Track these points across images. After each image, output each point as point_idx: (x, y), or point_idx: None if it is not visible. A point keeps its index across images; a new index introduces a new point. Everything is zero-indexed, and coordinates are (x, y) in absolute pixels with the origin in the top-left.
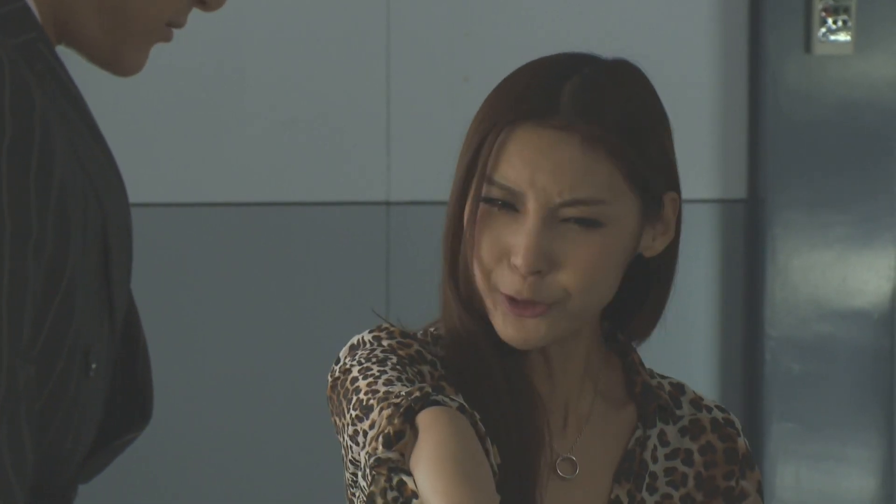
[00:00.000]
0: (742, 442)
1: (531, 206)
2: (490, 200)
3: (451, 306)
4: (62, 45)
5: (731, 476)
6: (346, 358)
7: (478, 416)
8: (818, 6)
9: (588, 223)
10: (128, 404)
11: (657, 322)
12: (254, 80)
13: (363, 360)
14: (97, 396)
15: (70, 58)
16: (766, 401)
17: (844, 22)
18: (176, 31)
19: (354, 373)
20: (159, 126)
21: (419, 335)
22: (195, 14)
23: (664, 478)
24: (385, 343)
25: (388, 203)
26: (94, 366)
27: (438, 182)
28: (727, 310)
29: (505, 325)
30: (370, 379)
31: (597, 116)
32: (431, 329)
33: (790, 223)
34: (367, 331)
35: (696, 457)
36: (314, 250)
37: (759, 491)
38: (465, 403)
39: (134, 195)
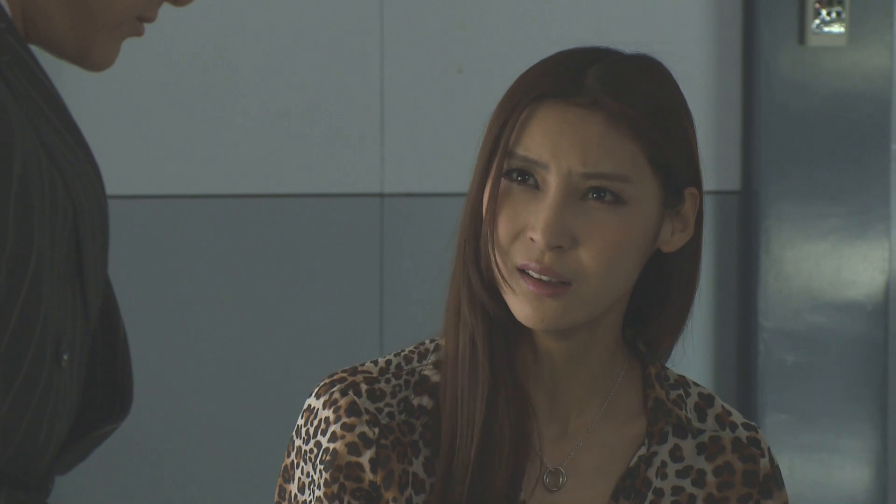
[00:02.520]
0: (765, 463)
1: (552, 179)
2: (511, 175)
3: (457, 303)
4: (31, 44)
5: (747, 499)
6: (295, 436)
7: None
8: None
9: (610, 200)
10: (107, 396)
11: (679, 332)
12: (246, 71)
13: (296, 464)
14: (71, 387)
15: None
16: (759, 392)
17: (838, 14)
18: (169, 24)
19: (293, 478)
20: (151, 118)
21: (394, 366)
22: (188, 8)
23: (670, 496)
24: (324, 445)
25: (381, 195)
26: (65, 356)
27: (432, 174)
28: (721, 301)
29: (522, 305)
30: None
31: (622, 96)
32: (423, 346)
33: (784, 214)
34: (316, 398)
35: (710, 477)
36: (307, 242)
37: None
38: None
39: (125, 187)
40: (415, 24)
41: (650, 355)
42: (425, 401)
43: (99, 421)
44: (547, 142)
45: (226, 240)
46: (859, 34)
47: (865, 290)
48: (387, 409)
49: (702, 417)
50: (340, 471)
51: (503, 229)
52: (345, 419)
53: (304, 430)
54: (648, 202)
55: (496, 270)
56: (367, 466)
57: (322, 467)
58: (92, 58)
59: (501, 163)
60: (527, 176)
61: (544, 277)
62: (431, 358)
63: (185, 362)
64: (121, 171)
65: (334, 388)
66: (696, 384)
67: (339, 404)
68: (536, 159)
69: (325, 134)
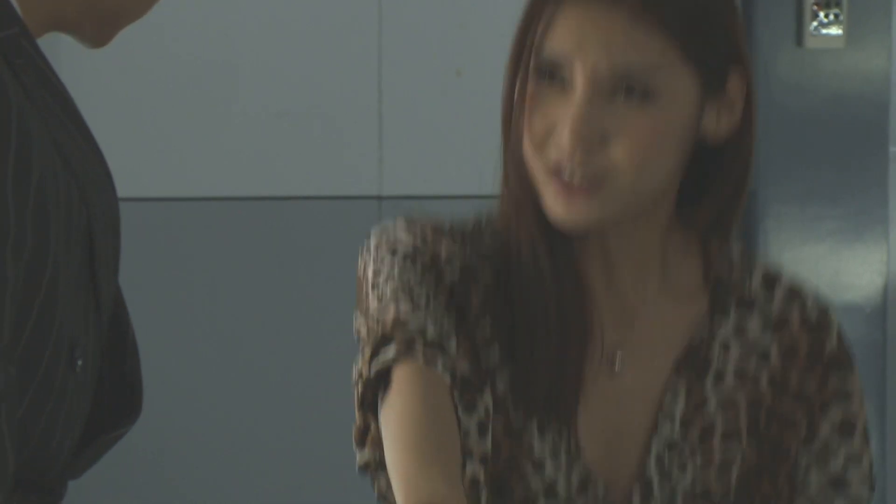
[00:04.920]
0: (833, 343)
1: (579, 77)
2: (540, 74)
3: (505, 192)
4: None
5: (809, 378)
6: (372, 249)
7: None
8: (810, 0)
9: (638, 95)
10: (117, 399)
11: (737, 210)
12: (244, 73)
13: (379, 268)
14: (84, 391)
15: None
16: None
17: (836, 15)
18: (167, 25)
19: (370, 277)
20: (149, 120)
21: (466, 228)
22: (185, 8)
23: (733, 374)
24: (409, 247)
25: (379, 197)
26: (80, 362)
27: (430, 177)
28: None
29: (555, 205)
30: (373, 302)
31: None
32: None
33: (782, 216)
34: (400, 220)
35: (774, 354)
36: (305, 245)
37: (852, 397)
38: (438, 351)
39: (124, 189)
40: (413, 26)
41: (709, 232)
42: (487, 272)
43: (110, 424)
44: (571, 38)
45: (223, 242)
46: (857, 36)
47: (864, 292)
48: (462, 253)
49: (769, 292)
50: (419, 257)
51: (535, 129)
52: (430, 235)
53: (376, 252)
54: (682, 93)
55: (531, 171)
56: (447, 278)
57: (399, 255)
58: (103, 45)
59: (528, 63)
60: (555, 75)
61: (576, 177)
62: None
63: (186, 364)
64: (118, 174)
65: (414, 217)
66: (763, 262)
67: (422, 223)
68: (562, 56)
69: (323, 136)
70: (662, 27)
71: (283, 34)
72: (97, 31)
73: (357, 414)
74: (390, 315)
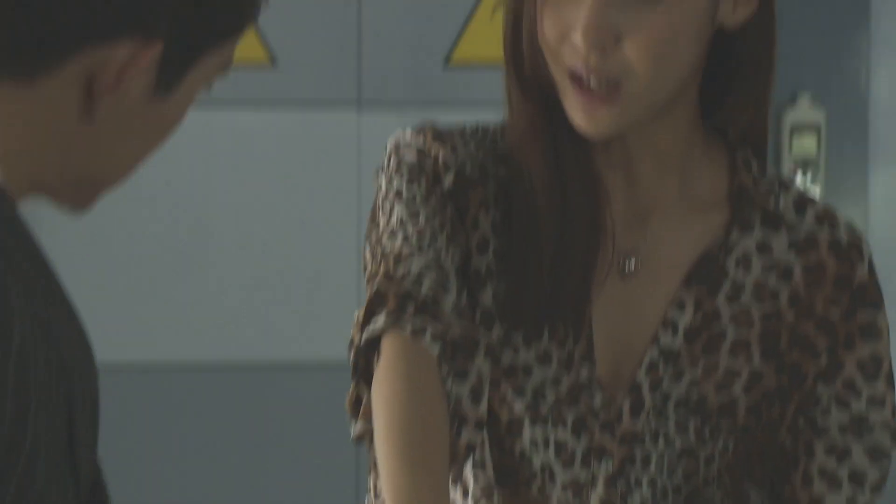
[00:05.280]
0: (863, 272)
1: None
2: None
3: (511, 97)
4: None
5: (834, 304)
6: (384, 168)
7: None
8: (789, 162)
9: None
10: None
11: (763, 110)
12: (221, 238)
13: (389, 187)
14: None
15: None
16: None
17: (813, 177)
18: (141, 191)
19: (379, 204)
20: (125, 286)
21: (480, 132)
22: (159, 174)
23: (751, 290)
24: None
25: None
26: None
27: None
28: None
29: (576, 115)
30: (382, 219)
31: None
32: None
33: None
34: (411, 130)
35: (798, 274)
36: (284, 411)
37: (881, 335)
38: (427, 320)
39: (101, 354)
40: None
41: (736, 138)
42: (502, 171)
43: None
44: None
45: (202, 409)
46: (834, 200)
47: None
48: (467, 158)
49: (801, 213)
50: (423, 171)
51: (549, 32)
52: (431, 143)
53: (388, 162)
54: None
55: (550, 75)
56: (445, 187)
57: (404, 167)
58: (85, 209)
59: None
60: None
61: (592, 81)
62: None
63: None
64: (92, 339)
65: (423, 124)
66: (797, 187)
67: (426, 132)
68: None
69: (303, 302)
70: None
71: (260, 200)
72: (78, 197)
73: (351, 382)
74: (391, 253)
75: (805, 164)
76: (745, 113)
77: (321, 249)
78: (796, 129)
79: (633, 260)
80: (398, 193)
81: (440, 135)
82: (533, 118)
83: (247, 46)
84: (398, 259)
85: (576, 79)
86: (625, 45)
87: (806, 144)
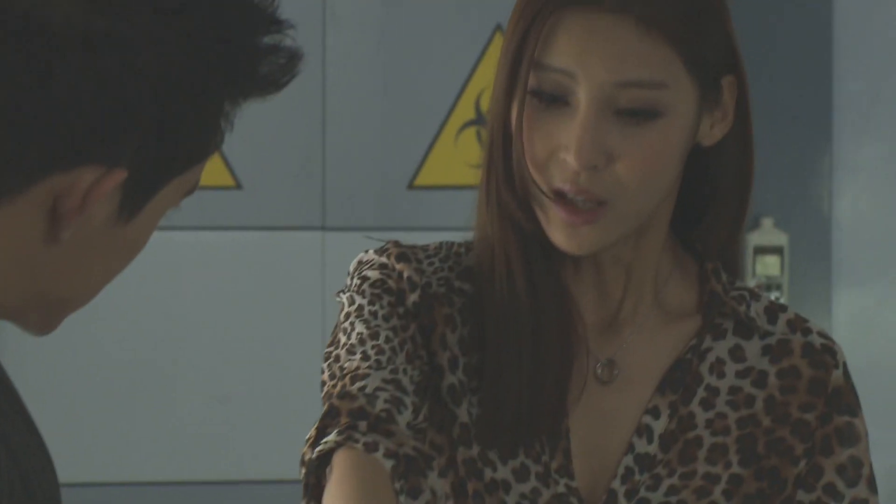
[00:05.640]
0: (838, 375)
1: (583, 94)
2: (539, 94)
3: (483, 214)
4: None
5: (810, 408)
6: (347, 287)
7: (399, 450)
8: (752, 283)
9: (644, 114)
10: None
11: (737, 227)
12: (186, 357)
13: (351, 306)
14: None
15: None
16: None
17: (777, 297)
18: (106, 310)
19: (341, 322)
20: (90, 406)
21: (444, 249)
22: (124, 294)
23: (726, 395)
24: (382, 282)
25: None
26: None
27: None
28: None
29: (557, 231)
30: (342, 338)
31: (661, 2)
32: (468, 243)
33: None
34: (374, 251)
35: (773, 379)
36: None
37: (860, 441)
38: (377, 439)
39: (66, 475)
40: None
41: (706, 251)
42: (466, 286)
43: None
44: (574, 50)
45: None
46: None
47: None
48: (432, 276)
49: (772, 320)
50: (386, 289)
51: (538, 150)
52: (395, 262)
53: (350, 281)
54: (685, 105)
55: (535, 191)
56: (410, 305)
57: (367, 286)
58: (51, 331)
59: (527, 76)
60: (556, 93)
61: (579, 198)
62: (473, 256)
63: None
64: (59, 460)
65: (386, 245)
66: (768, 297)
67: (389, 251)
68: (563, 68)
69: (267, 420)
70: (669, 39)
71: (226, 318)
72: (43, 319)
73: (302, 501)
74: (349, 371)
75: (769, 286)
76: (720, 230)
77: (285, 368)
78: (759, 251)
79: (606, 368)
80: (359, 312)
81: (404, 254)
82: (505, 231)
83: (212, 171)
84: (355, 377)
85: (560, 196)
86: (616, 164)
87: (769, 265)
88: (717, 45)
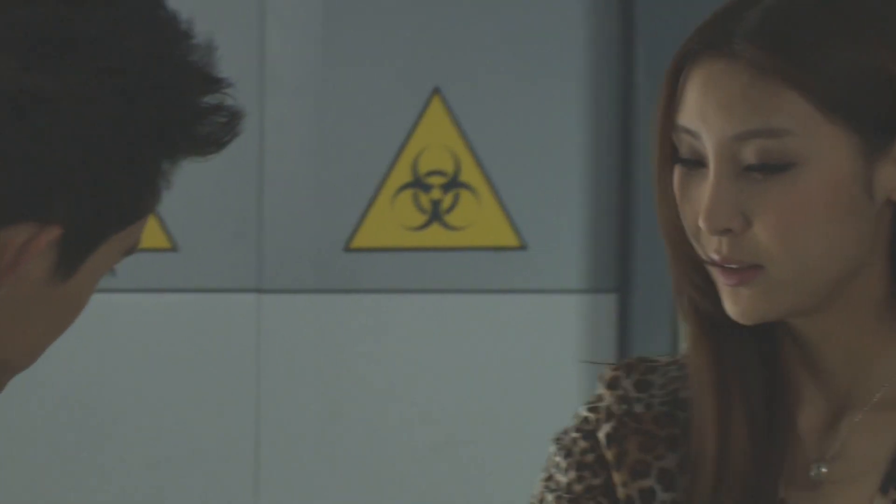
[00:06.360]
0: None
1: (708, 152)
2: (682, 161)
3: (682, 297)
4: None
5: None
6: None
7: None
8: None
9: (773, 168)
10: None
11: None
12: (119, 420)
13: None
14: None
15: None
16: None
17: None
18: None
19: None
20: (23, 469)
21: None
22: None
23: None
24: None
25: None
26: None
27: None
28: None
29: (725, 299)
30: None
31: (769, 39)
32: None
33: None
34: (575, 422)
35: None
36: None
37: None
38: None
39: None
40: (291, 368)
41: None
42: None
43: None
44: (697, 105)
45: None
46: None
47: None
48: (647, 400)
49: None
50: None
51: (689, 220)
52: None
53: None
54: (829, 153)
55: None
56: (602, 440)
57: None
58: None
59: (668, 141)
60: (694, 162)
61: (732, 266)
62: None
63: None
64: None
65: (614, 364)
66: None
67: (605, 378)
68: (690, 128)
69: (200, 484)
70: (788, 83)
71: (159, 380)
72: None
73: None
74: None
75: None
76: None
77: (218, 431)
78: None
79: (822, 465)
80: (548, 482)
81: (614, 384)
82: (699, 348)
83: (148, 233)
84: None
85: (717, 263)
86: (754, 226)
87: None
88: (868, 86)
